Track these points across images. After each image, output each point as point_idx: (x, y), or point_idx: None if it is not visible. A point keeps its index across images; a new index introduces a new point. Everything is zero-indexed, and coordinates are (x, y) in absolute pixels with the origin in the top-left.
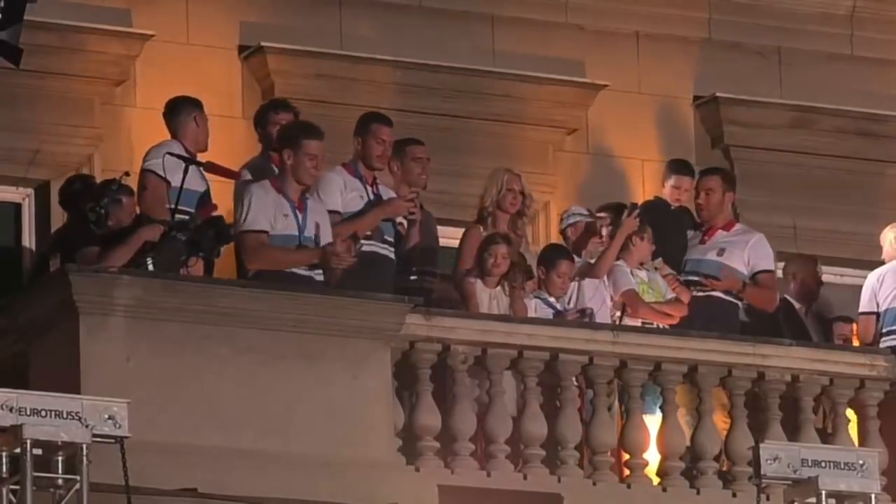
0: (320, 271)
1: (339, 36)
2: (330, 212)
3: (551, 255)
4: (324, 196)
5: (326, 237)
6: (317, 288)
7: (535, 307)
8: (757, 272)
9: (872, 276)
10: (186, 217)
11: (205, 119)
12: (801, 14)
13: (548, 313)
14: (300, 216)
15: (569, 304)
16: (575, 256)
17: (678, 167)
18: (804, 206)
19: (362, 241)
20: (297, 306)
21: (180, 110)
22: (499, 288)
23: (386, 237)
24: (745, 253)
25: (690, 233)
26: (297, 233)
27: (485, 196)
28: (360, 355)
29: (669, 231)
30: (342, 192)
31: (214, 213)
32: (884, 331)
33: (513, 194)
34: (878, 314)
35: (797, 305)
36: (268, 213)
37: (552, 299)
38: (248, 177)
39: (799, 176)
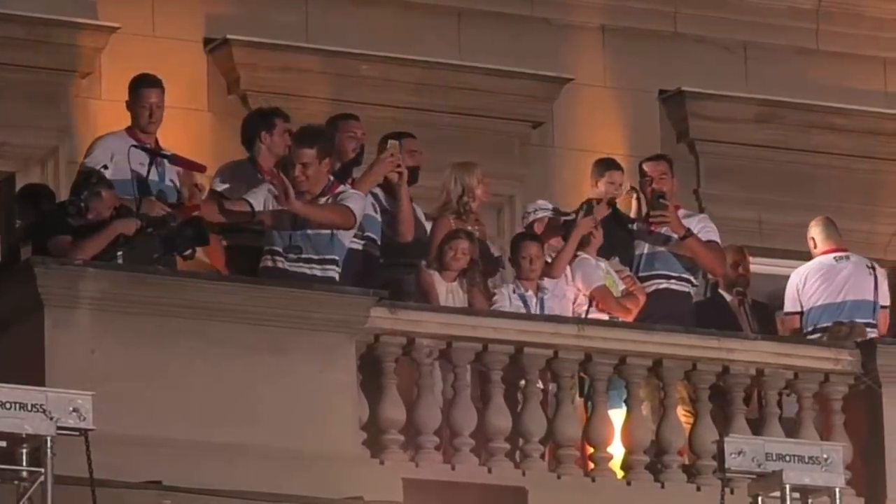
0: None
1: (304, 29)
2: None
3: (516, 241)
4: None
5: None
6: (283, 281)
7: (508, 297)
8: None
9: (795, 276)
10: (165, 214)
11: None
12: (768, 8)
13: (519, 306)
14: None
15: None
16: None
17: (608, 164)
18: (769, 200)
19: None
20: (262, 299)
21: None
22: (456, 283)
23: (367, 233)
24: (694, 227)
25: (636, 225)
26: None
27: (451, 190)
28: (326, 348)
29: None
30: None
31: (195, 214)
32: (808, 329)
33: (471, 186)
34: (801, 313)
35: (727, 297)
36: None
37: (528, 293)
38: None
39: (764, 170)
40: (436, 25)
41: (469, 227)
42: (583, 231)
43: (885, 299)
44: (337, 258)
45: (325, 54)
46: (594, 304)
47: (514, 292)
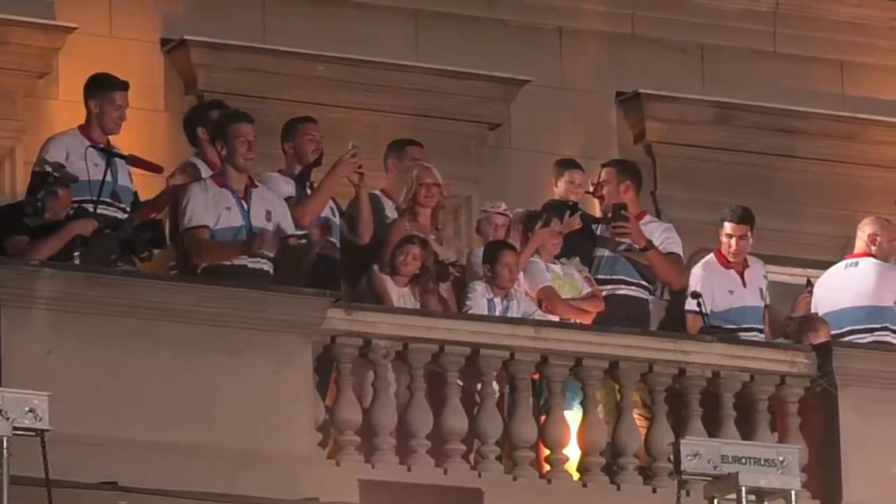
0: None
1: (262, 30)
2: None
3: (493, 250)
4: (273, 186)
5: (284, 221)
6: (239, 282)
7: (482, 296)
8: (666, 254)
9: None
10: (124, 216)
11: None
12: (724, 10)
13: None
14: (245, 206)
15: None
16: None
17: (568, 164)
18: (726, 202)
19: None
20: (218, 300)
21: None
22: (408, 288)
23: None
24: (657, 238)
25: (598, 227)
26: (242, 223)
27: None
28: (282, 349)
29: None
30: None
31: (154, 217)
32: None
33: (426, 188)
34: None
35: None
36: (207, 208)
37: (496, 299)
38: (178, 178)
39: (721, 172)
40: (393, 27)
41: (422, 233)
42: (539, 242)
43: None
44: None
45: (281, 55)
46: (542, 305)
47: (483, 295)
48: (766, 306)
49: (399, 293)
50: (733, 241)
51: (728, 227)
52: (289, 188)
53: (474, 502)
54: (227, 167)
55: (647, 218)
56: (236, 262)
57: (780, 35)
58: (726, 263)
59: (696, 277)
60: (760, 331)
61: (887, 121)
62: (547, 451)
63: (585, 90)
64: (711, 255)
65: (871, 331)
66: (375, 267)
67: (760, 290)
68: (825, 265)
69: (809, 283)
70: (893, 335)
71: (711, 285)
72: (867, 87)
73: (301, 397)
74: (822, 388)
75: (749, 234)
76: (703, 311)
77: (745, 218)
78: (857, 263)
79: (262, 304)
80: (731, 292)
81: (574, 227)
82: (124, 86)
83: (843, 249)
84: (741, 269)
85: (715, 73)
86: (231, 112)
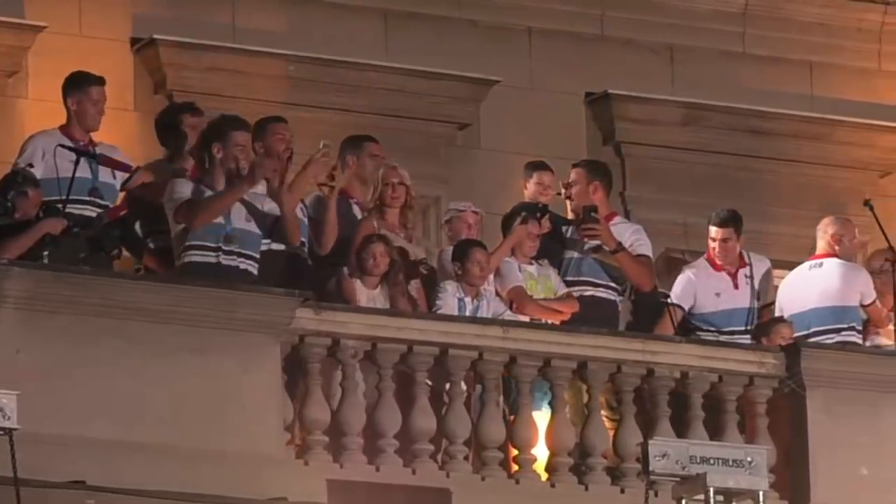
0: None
1: (232, 29)
2: None
3: (463, 248)
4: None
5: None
6: (207, 281)
7: (453, 295)
8: (636, 256)
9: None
10: (93, 214)
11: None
12: (694, 11)
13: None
14: None
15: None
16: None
17: (537, 166)
18: (695, 202)
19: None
20: (187, 299)
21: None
22: (377, 290)
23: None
24: (627, 239)
25: (567, 228)
26: (223, 222)
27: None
28: (251, 349)
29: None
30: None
31: (122, 214)
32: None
33: (391, 187)
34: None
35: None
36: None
37: (467, 298)
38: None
39: (690, 173)
40: (363, 27)
41: (391, 232)
42: (515, 240)
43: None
44: (257, 256)
45: (251, 55)
46: (512, 306)
47: (453, 295)
48: (765, 306)
49: (369, 296)
50: (717, 244)
51: (711, 230)
52: (261, 187)
53: (443, 502)
54: (215, 170)
55: (618, 219)
56: (207, 257)
57: (749, 36)
58: (717, 265)
59: (684, 279)
60: (746, 332)
61: (855, 122)
62: (515, 452)
63: (555, 91)
64: (703, 257)
65: (838, 331)
66: (344, 270)
67: (757, 291)
68: (794, 266)
69: None
70: (859, 335)
71: (696, 287)
72: (836, 88)
73: (269, 397)
74: (791, 389)
75: (734, 236)
76: (673, 316)
77: (727, 221)
78: (821, 264)
79: (230, 303)
80: (717, 295)
81: (545, 229)
82: (100, 81)
83: (812, 250)
84: (734, 270)
85: (684, 74)
86: (232, 118)
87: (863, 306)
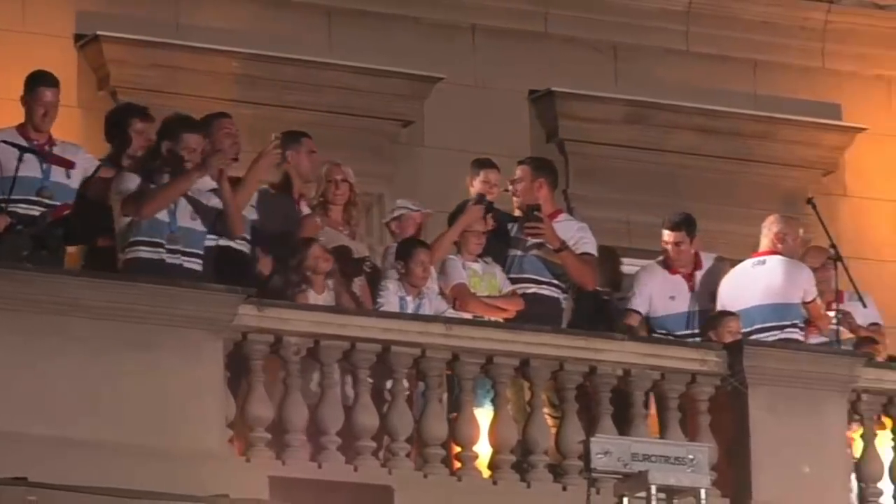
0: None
1: (175, 26)
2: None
3: (407, 247)
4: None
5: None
6: (149, 278)
7: (395, 293)
8: (580, 254)
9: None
10: (37, 213)
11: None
12: (638, 9)
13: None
14: (172, 204)
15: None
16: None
17: (483, 163)
18: (638, 200)
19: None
20: (129, 296)
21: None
22: (325, 294)
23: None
24: (571, 237)
25: (512, 226)
26: (167, 219)
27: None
28: (193, 345)
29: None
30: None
31: (66, 213)
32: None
33: (335, 184)
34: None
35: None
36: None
37: (409, 297)
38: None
39: (633, 171)
40: (307, 23)
41: (334, 229)
42: (470, 219)
43: None
44: (202, 253)
45: (195, 51)
46: (455, 303)
47: (395, 293)
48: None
49: (324, 300)
50: (670, 247)
51: (664, 233)
52: (208, 181)
53: (385, 499)
54: (161, 167)
55: (563, 216)
56: (152, 254)
57: (692, 34)
58: (673, 270)
59: (638, 281)
60: (696, 335)
61: (799, 120)
62: (458, 449)
63: (499, 88)
64: (659, 258)
65: (781, 328)
66: (295, 282)
67: (713, 294)
68: (738, 264)
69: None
70: (801, 332)
71: (651, 290)
72: (779, 86)
73: (212, 394)
74: (733, 387)
75: (687, 239)
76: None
77: (679, 224)
78: (764, 261)
79: (173, 300)
80: (672, 298)
81: (490, 226)
82: (48, 82)
83: (754, 248)
84: (689, 272)
85: (628, 72)
86: (186, 119)
87: (804, 303)
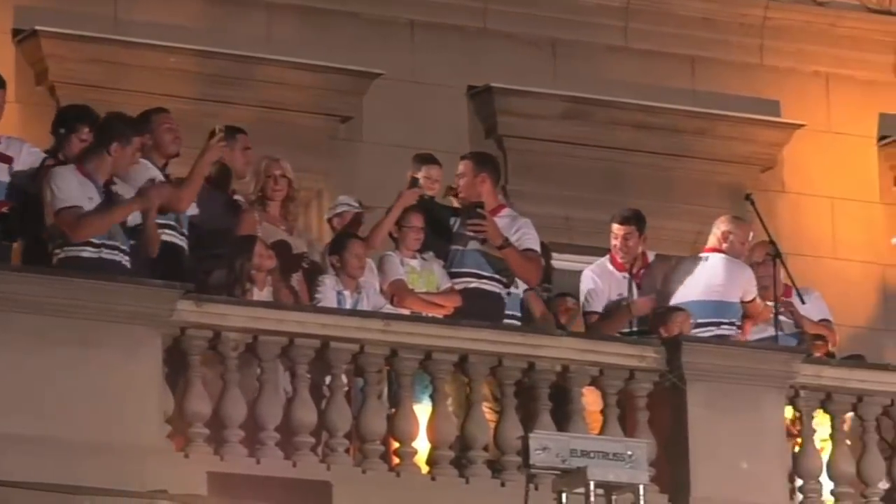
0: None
1: (113, 21)
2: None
3: (341, 241)
4: (139, 174)
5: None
6: (88, 273)
7: (332, 289)
8: (523, 250)
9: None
10: None
11: None
12: (576, 5)
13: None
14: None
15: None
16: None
17: (425, 159)
18: (577, 196)
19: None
20: (68, 290)
21: None
22: (267, 289)
23: (182, 227)
24: (513, 233)
25: (454, 220)
26: None
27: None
28: (131, 341)
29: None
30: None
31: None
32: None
33: (273, 180)
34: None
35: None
36: (76, 193)
37: (346, 291)
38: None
39: (572, 167)
40: (245, 19)
41: (272, 224)
42: (406, 202)
43: None
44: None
45: (133, 46)
46: (393, 299)
47: (332, 289)
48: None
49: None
50: (618, 241)
51: (613, 227)
52: (156, 174)
53: (323, 495)
54: (104, 164)
55: (505, 211)
56: (92, 254)
57: (631, 30)
58: (619, 265)
59: (587, 279)
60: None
61: (737, 116)
62: (396, 445)
63: (437, 84)
64: (606, 257)
65: (718, 324)
66: (241, 284)
67: (657, 291)
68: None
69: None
70: (738, 330)
71: (604, 287)
72: (717, 82)
73: (150, 389)
74: (671, 383)
75: (636, 234)
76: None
77: (629, 219)
78: (707, 258)
79: (111, 295)
80: (619, 295)
81: (411, 201)
82: None
83: (693, 244)
84: (637, 270)
85: (566, 68)
86: (132, 121)
87: (743, 303)
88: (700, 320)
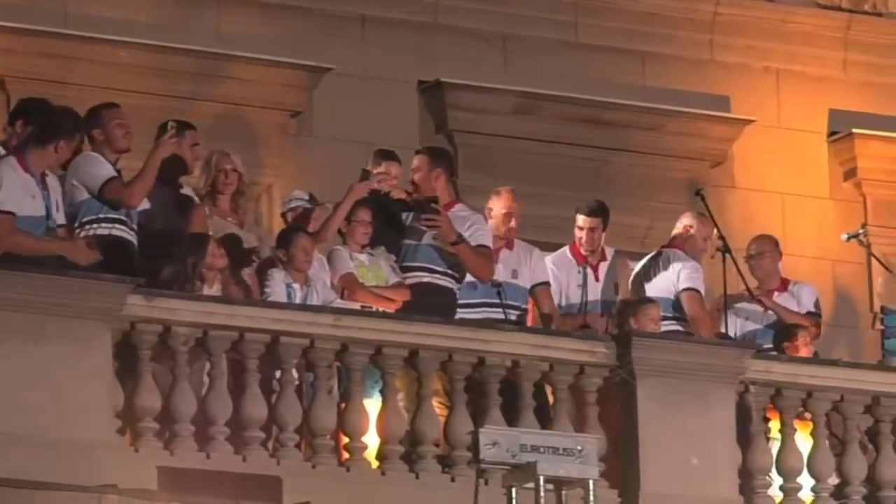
0: None
1: (64, 16)
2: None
3: (287, 234)
4: (90, 169)
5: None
6: (38, 267)
7: (281, 283)
8: (476, 246)
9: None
10: None
11: None
12: (527, 1)
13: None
14: (45, 196)
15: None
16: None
17: (385, 155)
18: (527, 192)
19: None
20: (17, 285)
21: None
22: (216, 285)
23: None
24: (466, 229)
25: (406, 215)
26: (43, 214)
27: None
28: (81, 335)
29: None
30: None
31: None
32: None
33: (224, 174)
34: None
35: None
36: (18, 193)
37: (295, 285)
38: None
39: (522, 162)
40: (196, 13)
41: (222, 218)
42: (358, 195)
43: None
44: None
45: (84, 41)
46: (343, 293)
47: (282, 282)
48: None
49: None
50: (584, 233)
51: (579, 219)
52: (108, 170)
53: (273, 489)
54: (42, 157)
55: (459, 206)
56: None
57: (582, 25)
58: (580, 257)
59: (550, 273)
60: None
61: (688, 112)
62: (346, 439)
63: (388, 78)
64: (566, 248)
65: (676, 319)
66: (192, 282)
67: (615, 284)
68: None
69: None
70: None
71: (562, 278)
72: (668, 78)
73: (100, 384)
74: (621, 378)
75: (601, 227)
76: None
77: (596, 210)
78: (661, 253)
79: (61, 289)
80: (579, 286)
81: (361, 194)
82: None
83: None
84: (595, 263)
85: (517, 63)
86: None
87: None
88: (664, 314)
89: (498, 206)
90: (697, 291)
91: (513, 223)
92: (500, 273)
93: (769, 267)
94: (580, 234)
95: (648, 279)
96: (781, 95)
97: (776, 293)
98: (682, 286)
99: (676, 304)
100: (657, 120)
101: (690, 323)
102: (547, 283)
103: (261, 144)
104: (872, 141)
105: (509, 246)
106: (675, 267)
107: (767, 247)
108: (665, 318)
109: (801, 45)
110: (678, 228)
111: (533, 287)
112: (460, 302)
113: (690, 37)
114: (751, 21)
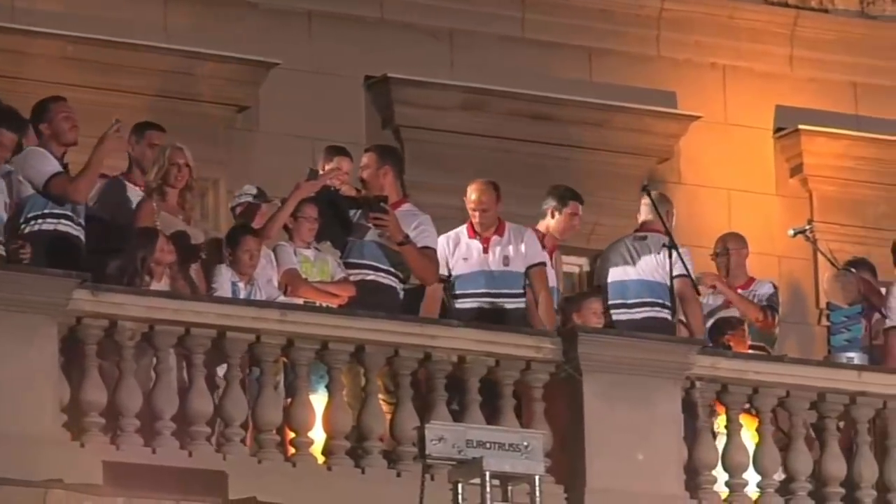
0: None
1: (11, 10)
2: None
3: (235, 235)
4: (36, 164)
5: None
6: None
7: (228, 280)
8: (421, 248)
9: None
10: None
11: None
12: None
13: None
14: None
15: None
16: None
17: (336, 150)
18: None
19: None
20: None
21: None
22: (164, 280)
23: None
24: (411, 230)
25: (354, 212)
26: None
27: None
28: (27, 329)
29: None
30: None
31: None
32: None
33: (177, 168)
34: None
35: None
36: None
37: (241, 284)
38: None
39: (469, 158)
40: (142, 8)
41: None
42: (304, 194)
43: None
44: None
45: (30, 35)
46: (286, 288)
47: (228, 279)
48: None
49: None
50: (577, 221)
51: (570, 205)
52: (53, 165)
53: (218, 484)
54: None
55: (406, 206)
56: None
57: (528, 21)
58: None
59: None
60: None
61: (634, 107)
62: (292, 435)
63: (335, 74)
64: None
65: (652, 305)
66: (140, 277)
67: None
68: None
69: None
70: (668, 311)
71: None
72: (615, 73)
73: (46, 378)
74: (567, 374)
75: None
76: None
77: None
78: (645, 237)
79: (7, 283)
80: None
81: (308, 193)
82: None
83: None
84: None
85: (464, 59)
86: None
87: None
88: (634, 300)
89: (467, 200)
90: (690, 277)
91: (478, 217)
92: (492, 262)
93: (736, 263)
94: (574, 223)
95: (632, 262)
96: (728, 91)
97: (740, 290)
98: (676, 272)
99: (656, 288)
100: (604, 116)
101: (685, 308)
102: (541, 264)
103: (207, 139)
104: (819, 137)
105: (499, 232)
106: (665, 251)
107: (734, 244)
108: (644, 304)
109: (748, 41)
110: (646, 214)
111: (527, 269)
112: (459, 293)
113: (637, 33)
114: (697, 17)
